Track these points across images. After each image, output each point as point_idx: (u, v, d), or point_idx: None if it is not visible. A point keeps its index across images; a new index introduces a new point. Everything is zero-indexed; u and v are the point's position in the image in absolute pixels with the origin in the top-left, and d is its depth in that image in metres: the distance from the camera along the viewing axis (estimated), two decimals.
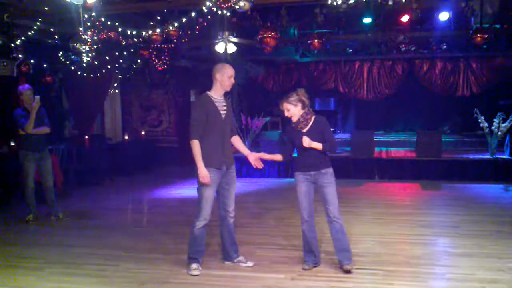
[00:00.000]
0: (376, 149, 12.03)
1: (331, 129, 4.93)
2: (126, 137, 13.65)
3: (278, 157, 5.30)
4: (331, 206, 4.88)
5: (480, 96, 14.17)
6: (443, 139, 11.78)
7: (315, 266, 5.11)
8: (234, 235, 5.27)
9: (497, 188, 9.82)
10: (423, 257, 5.45)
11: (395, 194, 9.59)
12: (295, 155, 5.19)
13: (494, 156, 10.90)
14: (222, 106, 5.04)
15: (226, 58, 10.74)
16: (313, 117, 4.96)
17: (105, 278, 4.97)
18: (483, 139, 11.80)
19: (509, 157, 10.79)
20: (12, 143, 9.72)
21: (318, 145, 4.83)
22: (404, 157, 11.59)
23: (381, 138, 13.41)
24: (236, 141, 5.34)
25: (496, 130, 10.83)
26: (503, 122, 10.78)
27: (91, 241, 6.39)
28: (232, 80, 5.07)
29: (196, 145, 4.88)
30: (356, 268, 4.99)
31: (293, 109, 4.92)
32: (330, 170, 4.94)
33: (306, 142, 4.80)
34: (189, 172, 11.37)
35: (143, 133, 13.98)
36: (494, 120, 10.83)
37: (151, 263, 5.38)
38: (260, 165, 5.19)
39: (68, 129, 12.83)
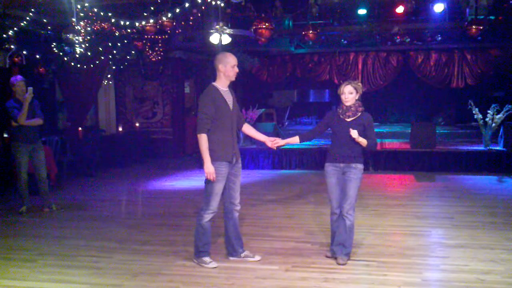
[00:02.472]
0: None
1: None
2: (120, 129, 13.60)
3: (295, 139, 5.28)
4: (347, 201, 4.87)
5: (475, 88, 14.22)
6: (437, 131, 11.81)
7: (330, 257, 5.07)
8: (239, 229, 5.13)
9: (491, 179, 9.84)
10: (417, 248, 5.46)
11: (389, 186, 9.60)
12: (316, 141, 5.16)
13: (488, 148, 10.92)
14: (229, 97, 4.88)
15: (220, 49, 10.70)
16: (362, 111, 5.00)
17: (99, 269, 4.95)
18: (477, 131, 11.82)
19: (503, 149, 10.82)
20: (5, 135, 9.66)
21: (363, 141, 4.87)
22: (399, 148, 11.60)
23: (376, 130, 13.35)
24: (249, 129, 5.22)
25: (490, 121, 10.84)
26: (497, 114, 10.78)
27: (85, 232, 6.36)
28: (236, 69, 4.92)
29: (204, 139, 4.67)
30: (350, 259, 4.99)
31: (355, 95, 4.96)
32: (360, 166, 4.97)
33: (355, 135, 4.80)
34: (183, 163, 11.43)
35: (137, 124, 13.92)
36: (488, 111, 10.83)
37: (145, 255, 5.36)
38: (278, 144, 5.16)
39: (61, 121, 12.75)
